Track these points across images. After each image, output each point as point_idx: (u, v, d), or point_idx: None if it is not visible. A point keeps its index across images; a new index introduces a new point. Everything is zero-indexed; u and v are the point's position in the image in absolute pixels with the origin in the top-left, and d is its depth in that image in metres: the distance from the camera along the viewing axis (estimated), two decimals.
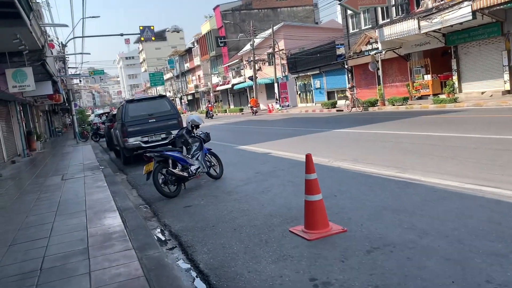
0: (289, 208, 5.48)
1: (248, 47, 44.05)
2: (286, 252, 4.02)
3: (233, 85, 50.69)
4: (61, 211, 6.41)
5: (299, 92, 37.76)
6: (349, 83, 22.52)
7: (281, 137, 14.13)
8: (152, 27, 25.34)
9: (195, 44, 65.08)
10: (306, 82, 36.40)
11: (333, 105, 27.98)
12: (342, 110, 25.46)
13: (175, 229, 5.30)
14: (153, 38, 25.88)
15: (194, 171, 7.46)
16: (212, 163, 8.12)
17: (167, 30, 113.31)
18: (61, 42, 28.70)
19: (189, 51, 69.50)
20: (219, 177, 8.13)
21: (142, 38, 24.37)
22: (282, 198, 6.03)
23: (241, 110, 43.68)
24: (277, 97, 37.13)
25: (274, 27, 38.51)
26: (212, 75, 58.40)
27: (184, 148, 8.02)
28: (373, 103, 23.42)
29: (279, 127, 19.08)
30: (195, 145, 7.86)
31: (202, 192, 7.20)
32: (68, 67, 29.24)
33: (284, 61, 38.09)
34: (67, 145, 23.62)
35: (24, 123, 21.38)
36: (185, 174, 7.23)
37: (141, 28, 25.16)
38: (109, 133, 17.66)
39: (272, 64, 39.40)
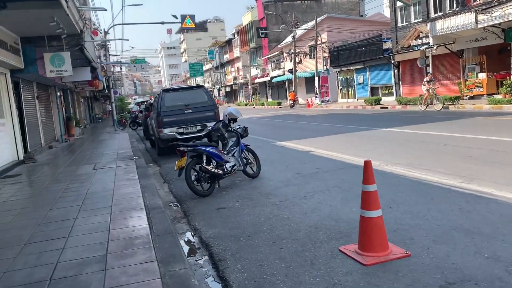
0: (337, 220, 4.74)
1: (289, 39, 43.09)
2: (337, 280, 3.30)
3: (272, 77, 49.92)
4: (86, 206, 5.95)
5: (340, 87, 36.51)
6: (427, 75, 20.49)
7: (322, 134, 13.30)
8: (192, 15, 25.04)
9: (235, 35, 64.65)
10: (348, 77, 35.12)
11: (377, 101, 26.69)
12: (387, 108, 24.21)
13: (206, 236, 4.69)
14: (193, 25, 25.46)
15: (229, 169, 6.84)
16: (249, 161, 7.46)
17: (208, 20, 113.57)
18: (103, 29, 28.90)
19: (229, 42, 69.22)
20: (256, 176, 7.47)
21: (184, 25, 24.04)
22: (327, 207, 5.29)
23: (279, 103, 42.87)
24: (317, 92, 36.05)
25: (318, 19, 37.38)
26: (251, 67, 57.79)
27: (220, 143, 7.42)
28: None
29: (320, 123, 18.21)
30: (232, 140, 7.23)
31: (237, 192, 6.56)
32: (110, 54, 29.41)
33: (326, 55, 36.93)
34: (105, 132, 23.71)
35: (64, 109, 21.57)
36: (220, 171, 6.62)
37: (181, 16, 24.93)
38: (145, 122, 17.40)
39: (313, 57, 38.34)
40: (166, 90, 12.01)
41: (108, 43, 26.83)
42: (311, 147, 10.52)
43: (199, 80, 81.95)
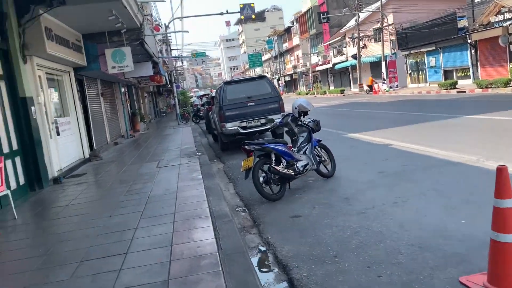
0: (446, 237, 3.78)
1: (352, 23, 41.15)
2: None
3: (334, 64, 48.13)
4: (148, 212, 5.44)
5: (409, 71, 34.20)
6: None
7: (398, 124, 12.06)
8: (252, 5, 24.42)
9: (295, 23, 63.26)
10: (418, 60, 32.73)
11: (453, 85, 24.50)
12: (465, 92, 22.07)
13: (282, 253, 3.94)
14: (253, 16, 24.95)
15: (301, 169, 6.05)
16: (323, 158, 6.61)
17: (266, 10, 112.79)
18: (164, 24, 29.06)
19: (288, 30, 67.94)
20: (331, 175, 6.61)
21: (242, 17, 23.54)
22: (429, 217, 4.33)
23: (342, 91, 41.21)
24: (385, 77, 34.03)
25: (383, 0, 35.17)
26: (312, 55, 56.21)
27: (289, 139, 6.64)
28: (506, 83, 19.77)
29: (392, 111, 16.81)
30: (302, 136, 6.42)
31: (311, 196, 5.75)
32: (171, 49, 29.61)
33: (393, 37, 34.70)
34: (169, 126, 23.84)
35: (128, 104, 21.89)
36: (291, 172, 5.85)
37: (241, 6, 24.38)
38: (207, 115, 17.05)
39: (379, 41, 36.23)
40: (228, 83, 11.42)
41: (169, 37, 26.92)
42: (389, 139, 9.42)
43: (258, 70, 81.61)
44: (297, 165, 6.02)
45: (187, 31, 27.24)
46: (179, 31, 22.52)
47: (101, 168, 10.28)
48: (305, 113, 6.40)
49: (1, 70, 7.64)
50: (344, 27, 44.21)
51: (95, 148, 12.90)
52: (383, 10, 34.47)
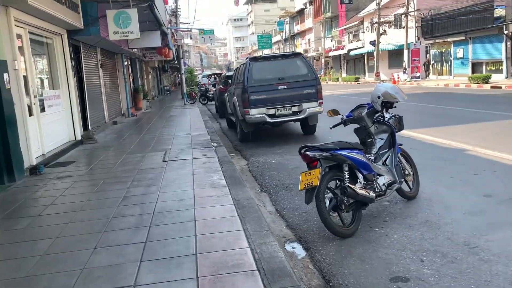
0: None
1: (371, 7, 38.70)
2: None
3: (348, 50, 45.75)
4: (153, 249, 3.50)
5: (432, 62, 31.98)
6: None
7: (450, 121, 10.05)
8: None
9: (308, 5, 60.54)
10: (443, 50, 30.49)
11: (486, 79, 22.39)
12: (500, 87, 19.96)
13: None
14: None
15: (383, 188, 4.11)
16: (406, 171, 4.64)
17: None
18: None
19: (300, 12, 65.14)
20: (414, 196, 4.66)
21: None
22: None
23: (357, 79, 39.02)
24: (406, 66, 31.83)
25: None
26: (325, 39, 53.72)
27: (358, 140, 4.66)
28: None
29: (432, 105, 14.76)
30: (381, 138, 4.45)
31: (403, 234, 3.77)
32: (180, 22, 27.31)
33: (417, 24, 32.37)
34: (174, 106, 21.79)
35: (131, 79, 19.84)
36: (371, 194, 3.90)
37: None
38: (221, 97, 15.04)
39: (400, 27, 33.93)
40: (254, 59, 9.37)
41: (179, 8, 24.63)
42: (458, 141, 7.45)
43: (266, 52, 78.96)
44: (378, 182, 4.07)
45: None
46: None
47: (94, 154, 8.33)
48: (391, 105, 4.41)
49: None
50: (363, 11, 41.70)
51: (90, 128, 10.94)
52: None
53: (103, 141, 10.11)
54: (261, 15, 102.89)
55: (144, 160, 7.34)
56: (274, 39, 75.69)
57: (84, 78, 10.87)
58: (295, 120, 9.02)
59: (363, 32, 41.55)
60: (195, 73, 59.64)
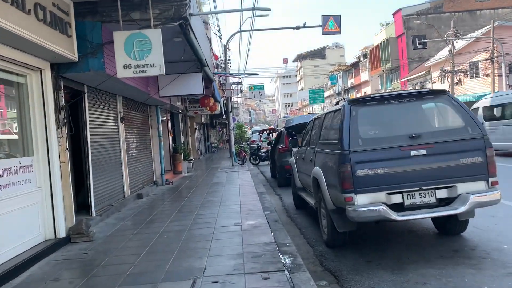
0: None
1: (441, 54, 34.57)
2: None
3: None
4: None
5: None
6: None
7: None
8: (337, 16, 18.85)
9: (362, 58, 57.38)
10: None
11: None
12: None
13: None
14: (337, 29, 19.24)
15: None
16: None
17: (327, 47, 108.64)
18: (224, 45, 23.85)
19: (354, 65, 62.06)
20: None
21: (326, 29, 17.98)
22: None
23: None
24: None
25: (482, 29, 28.54)
26: (384, 92, 49.60)
27: None
28: None
29: None
30: None
31: None
32: (230, 73, 24.27)
33: (501, 71, 27.71)
34: (220, 168, 18.07)
35: (170, 137, 16.57)
36: None
37: (323, 16, 18.89)
38: (280, 159, 11.22)
39: (476, 76, 29.40)
40: (358, 102, 5.25)
41: (228, 58, 21.61)
42: None
43: (316, 108, 75.60)
44: None
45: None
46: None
47: (76, 274, 4.50)
48: None
49: None
50: (431, 60, 37.55)
51: (93, 211, 7.28)
52: (485, 40, 27.79)
53: (103, 236, 6.34)
54: (310, 72, 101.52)
55: None
56: (326, 93, 72.53)
57: (89, 137, 7.38)
58: (442, 216, 4.76)
59: (434, 83, 37.08)
60: (244, 129, 56.98)
